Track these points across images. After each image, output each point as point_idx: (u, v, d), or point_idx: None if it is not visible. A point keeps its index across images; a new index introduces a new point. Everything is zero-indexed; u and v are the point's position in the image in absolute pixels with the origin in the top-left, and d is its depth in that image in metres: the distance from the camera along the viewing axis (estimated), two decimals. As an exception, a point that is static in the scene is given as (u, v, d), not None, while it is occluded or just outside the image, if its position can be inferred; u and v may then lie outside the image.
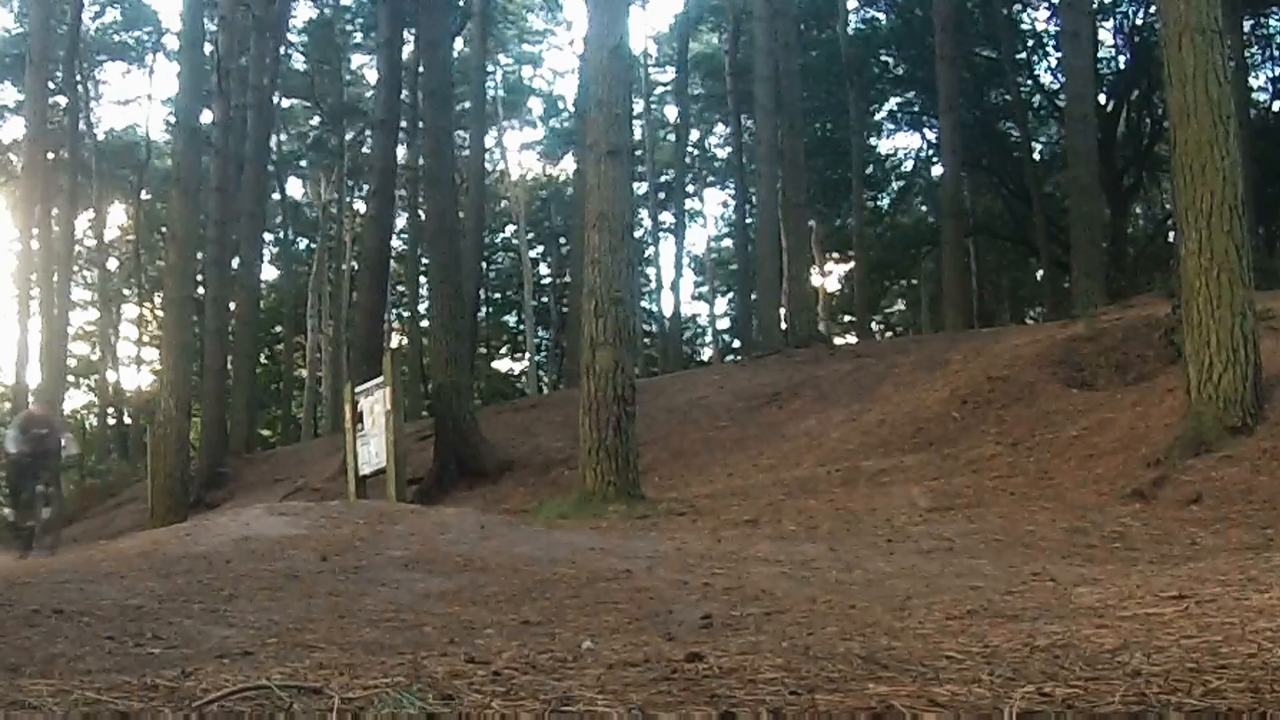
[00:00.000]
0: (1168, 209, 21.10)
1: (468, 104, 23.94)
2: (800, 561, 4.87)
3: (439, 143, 14.13)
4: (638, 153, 27.72)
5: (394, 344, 27.48)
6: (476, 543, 5.35)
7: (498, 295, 36.52)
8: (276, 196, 30.69)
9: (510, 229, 35.68)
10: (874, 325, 30.04)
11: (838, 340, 22.54)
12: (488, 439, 12.97)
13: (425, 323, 22.82)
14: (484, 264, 30.02)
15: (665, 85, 33.08)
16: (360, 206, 29.40)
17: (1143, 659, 1.97)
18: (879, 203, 27.51)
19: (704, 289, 37.37)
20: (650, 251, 33.89)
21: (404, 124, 21.30)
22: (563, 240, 33.30)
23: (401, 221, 28.39)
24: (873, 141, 26.27)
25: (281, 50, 26.04)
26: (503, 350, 38.14)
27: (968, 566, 4.59)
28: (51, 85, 22.98)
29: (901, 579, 4.17)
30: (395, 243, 25.10)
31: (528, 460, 12.54)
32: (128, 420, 31.13)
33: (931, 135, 24.44)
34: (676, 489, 9.66)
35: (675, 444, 11.81)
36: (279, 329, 31.23)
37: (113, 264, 33.76)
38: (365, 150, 27.88)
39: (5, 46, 26.38)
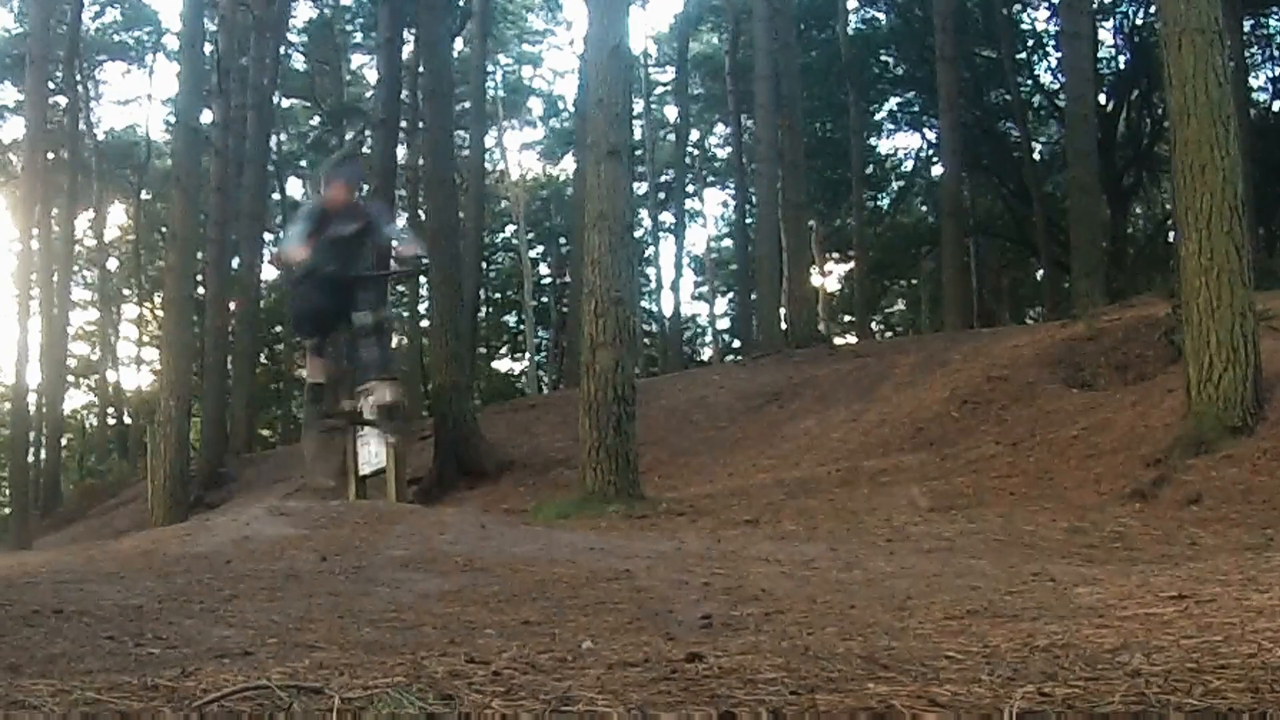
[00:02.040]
0: (1168, 209, 21.11)
1: (468, 104, 23.96)
2: (800, 561, 4.87)
3: (439, 143, 14.14)
4: (638, 153, 27.72)
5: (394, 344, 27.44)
6: (476, 543, 5.35)
7: (498, 295, 36.52)
8: (276, 196, 30.69)
9: (510, 229, 35.68)
10: (874, 325, 30.05)
11: (838, 340, 22.54)
12: (488, 439, 12.97)
13: (425, 323, 22.81)
14: (484, 264, 30.02)
15: (665, 85, 33.08)
16: (360, 206, 29.35)
17: (1143, 659, 1.97)
18: (879, 203, 27.51)
19: (704, 289, 37.38)
20: (650, 251, 33.90)
21: (404, 124, 21.31)
22: (563, 240, 33.29)
23: (401, 221, 28.37)
24: (873, 141, 26.28)
25: (281, 50, 26.04)
26: (503, 350, 38.14)
27: (968, 566, 4.59)
28: (51, 85, 22.97)
29: (901, 579, 4.17)
30: (395, 243, 25.03)
31: (528, 460, 12.54)
32: (128, 420, 31.13)
33: (931, 135, 24.45)
34: (676, 489, 9.66)
35: (675, 444, 11.81)
36: (279, 329, 31.24)
37: (113, 264, 33.75)
38: (365, 150, 27.89)
39: (5, 46, 26.37)
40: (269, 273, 31.87)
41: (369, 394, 6.74)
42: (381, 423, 6.87)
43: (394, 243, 7.11)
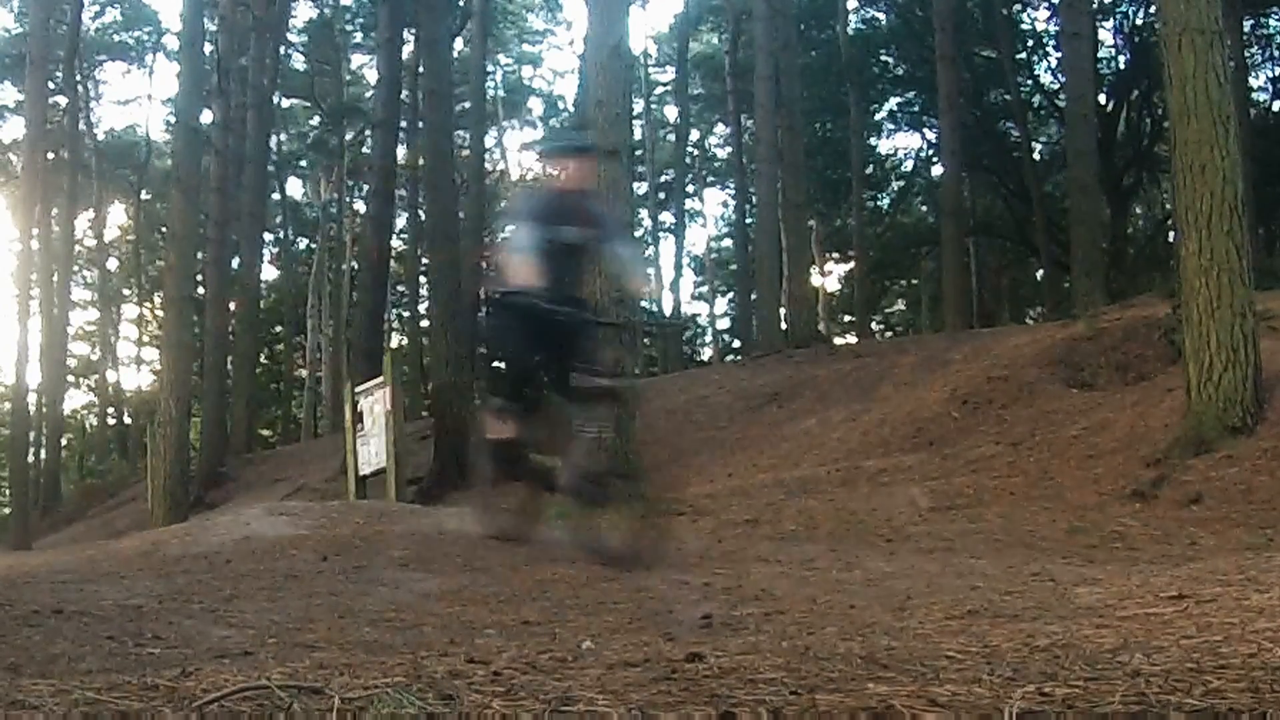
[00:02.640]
0: (1168, 209, 21.12)
1: (468, 104, 23.96)
2: (800, 561, 4.87)
3: (439, 143, 14.15)
4: (638, 153, 27.73)
5: (394, 344, 27.50)
6: (476, 543, 5.35)
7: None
8: (276, 196, 30.71)
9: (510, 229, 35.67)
10: (874, 325, 30.06)
11: (838, 340, 22.55)
12: (488, 439, 12.95)
13: (425, 323, 22.82)
14: (484, 264, 30.00)
15: (665, 85, 33.11)
16: (360, 206, 29.44)
17: (1143, 659, 1.97)
18: (879, 203, 27.53)
19: (704, 289, 37.40)
20: (650, 251, 33.92)
21: (404, 124, 21.32)
22: (563, 240, 33.27)
23: (401, 221, 28.40)
24: (873, 141, 26.30)
25: (281, 50, 26.06)
26: (503, 350, 38.11)
27: (968, 566, 4.59)
28: (51, 85, 22.99)
29: (901, 579, 4.17)
30: (395, 243, 25.12)
31: (528, 460, 12.52)
32: (128, 420, 31.15)
33: (931, 135, 24.46)
34: (676, 489, 9.64)
35: (675, 444, 11.80)
36: (279, 329, 31.26)
37: (113, 264, 33.79)
38: (365, 150, 27.89)
39: (5, 46, 26.39)
40: (269, 272, 32.02)
41: (570, 453, 4.76)
42: (579, 491, 4.77)
43: (619, 269, 5.11)
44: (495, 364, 5.29)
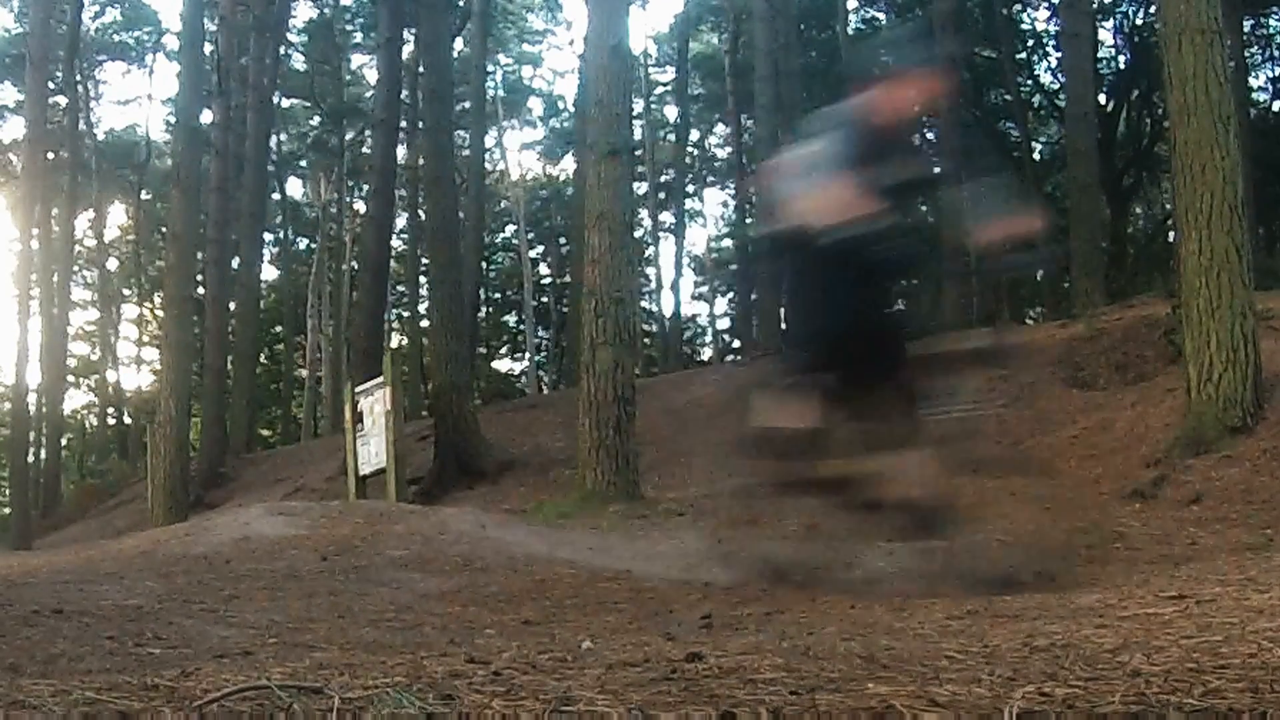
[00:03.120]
0: (1168, 209, 21.11)
1: (468, 104, 23.95)
2: (800, 561, 4.86)
3: (439, 143, 14.14)
4: (637, 153, 27.74)
5: (394, 344, 27.49)
6: (476, 543, 5.36)
7: (498, 295, 36.52)
8: (276, 196, 30.70)
9: (510, 229, 35.68)
10: (874, 325, 30.01)
11: (838, 340, 22.50)
12: (488, 439, 12.97)
13: (425, 323, 22.81)
14: (484, 264, 30.04)
15: (665, 85, 33.10)
16: (360, 206, 29.44)
17: (1143, 659, 1.97)
18: (879, 203, 27.50)
19: (704, 289, 37.40)
20: (650, 251, 33.91)
21: (404, 124, 21.32)
22: (563, 240, 33.30)
23: (401, 221, 28.42)
24: (872, 142, 26.27)
25: (281, 50, 26.05)
26: (503, 350, 38.13)
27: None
28: (51, 85, 22.98)
29: (901, 578, 4.17)
30: (395, 243, 25.14)
31: (528, 460, 12.54)
32: (128, 420, 31.14)
33: (931, 135, 24.44)
34: (676, 489, 9.65)
35: (675, 444, 11.80)
36: (279, 329, 31.26)
37: (113, 264, 33.77)
38: (365, 150, 27.90)
39: (5, 46, 26.39)
40: (269, 272, 32.02)
41: (892, 473, 3.59)
42: (910, 528, 3.71)
43: (971, 215, 3.72)
44: (790, 326, 3.92)
